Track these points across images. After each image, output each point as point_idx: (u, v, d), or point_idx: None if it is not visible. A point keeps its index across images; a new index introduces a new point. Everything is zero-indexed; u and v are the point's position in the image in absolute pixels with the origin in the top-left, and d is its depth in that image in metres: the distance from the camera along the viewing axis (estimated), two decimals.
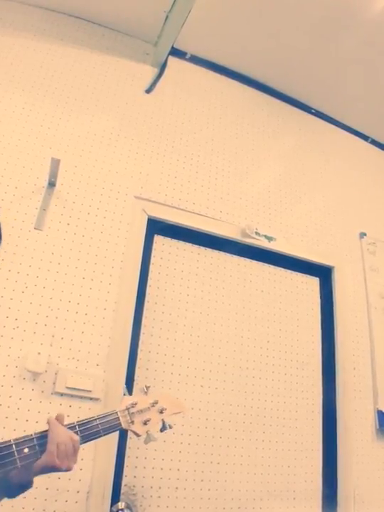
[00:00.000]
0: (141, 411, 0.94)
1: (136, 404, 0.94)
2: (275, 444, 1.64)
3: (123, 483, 1.38)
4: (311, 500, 1.64)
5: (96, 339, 1.44)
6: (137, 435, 0.93)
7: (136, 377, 1.50)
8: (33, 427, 1.25)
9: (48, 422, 0.84)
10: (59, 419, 0.86)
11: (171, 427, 0.97)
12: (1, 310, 1.35)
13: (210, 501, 1.47)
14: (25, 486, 0.83)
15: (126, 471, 1.40)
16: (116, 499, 1.35)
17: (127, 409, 0.92)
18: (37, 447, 0.80)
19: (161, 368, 1.55)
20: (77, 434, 0.84)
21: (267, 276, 1.89)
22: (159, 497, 1.41)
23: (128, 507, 1.35)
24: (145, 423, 0.93)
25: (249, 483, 1.55)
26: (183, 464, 1.47)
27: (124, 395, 0.98)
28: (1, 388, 1.27)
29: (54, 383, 1.34)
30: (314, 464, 1.69)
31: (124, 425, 0.91)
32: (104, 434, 0.88)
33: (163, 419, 0.97)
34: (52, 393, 1.33)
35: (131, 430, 0.92)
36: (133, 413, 0.93)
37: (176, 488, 1.44)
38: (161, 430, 0.97)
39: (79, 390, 1.36)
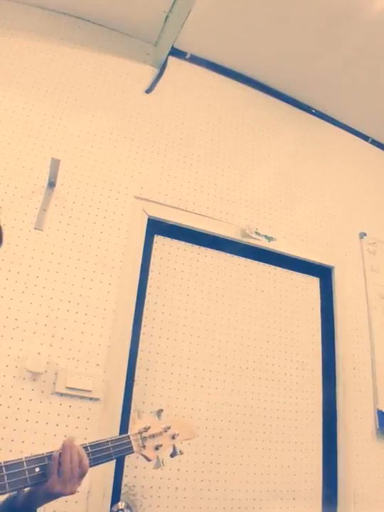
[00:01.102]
0: (153, 436, 0.94)
1: (148, 428, 0.93)
2: (275, 444, 1.64)
3: (123, 483, 1.38)
4: (311, 500, 1.64)
5: (96, 339, 1.44)
6: (148, 460, 0.92)
7: (136, 378, 1.50)
8: (33, 427, 1.27)
9: (63, 445, 0.82)
10: (71, 440, 0.82)
11: (181, 453, 0.97)
12: (1, 310, 1.35)
13: (210, 501, 1.47)
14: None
15: (126, 471, 1.40)
16: (116, 499, 1.35)
17: (140, 433, 0.92)
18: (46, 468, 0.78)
19: (161, 368, 1.55)
20: (89, 456, 0.83)
21: (267, 276, 1.89)
22: (159, 497, 1.41)
23: (128, 507, 1.35)
24: (156, 448, 0.93)
25: (249, 483, 1.55)
26: (183, 464, 1.47)
27: (138, 417, 0.97)
28: (1, 388, 1.27)
29: (54, 383, 1.34)
30: (314, 464, 1.70)
31: (135, 450, 0.90)
32: (115, 457, 0.88)
33: (174, 445, 0.97)
34: (52, 393, 1.33)
35: (143, 455, 0.92)
36: (145, 437, 0.92)
37: (176, 488, 1.44)
38: (172, 456, 0.97)
39: (79, 390, 1.35)
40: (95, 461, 0.84)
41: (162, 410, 0.98)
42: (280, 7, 1.80)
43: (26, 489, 0.81)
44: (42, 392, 1.32)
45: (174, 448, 0.97)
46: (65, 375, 1.35)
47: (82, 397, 1.36)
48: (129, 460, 1.41)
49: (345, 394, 1.79)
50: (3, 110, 1.62)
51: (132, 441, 0.90)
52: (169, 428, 0.96)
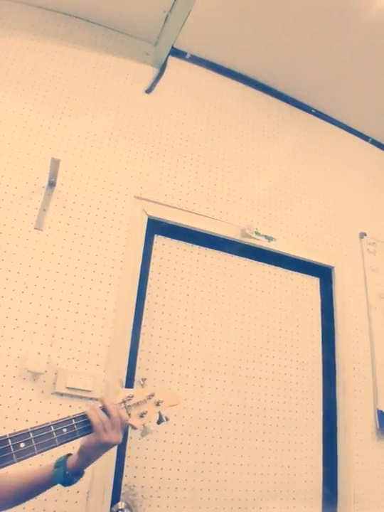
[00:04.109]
0: (137, 404, 0.94)
1: (132, 396, 0.93)
2: (275, 444, 1.64)
3: (123, 483, 1.38)
4: (311, 500, 1.64)
5: (96, 339, 1.44)
6: (134, 428, 0.93)
7: (136, 378, 1.49)
8: None
9: (101, 400, 0.90)
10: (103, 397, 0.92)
11: (167, 420, 0.97)
12: (1, 310, 1.35)
13: (210, 501, 1.47)
14: (78, 474, 0.88)
15: (126, 471, 1.40)
16: (116, 499, 1.35)
17: (123, 402, 0.92)
18: (76, 427, 0.85)
19: (161, 368, 1.55)
20: (74, 427, 0.84)
21: (267, 276, 1.89)
22: (159, 497, 1.41)
23: (128, 507, 1.35)
24: (142, 416, 0.93)
25: (249, 483, 1.55)
26: (183, 464, 1.47)
27: (121, 387, 0.98)
28: (1, 388, 1.27)
29: (54, 383, 1.34)
30: (314, 464, 1.69)
31: None
32: None
33: (160, 412, 0.96)
34: (52, 393, 1.33)
35: (128, 423, 0.92)
36: (129, 406, 0.92)
37: (176, 488, 1.44)
38: (158, 422, 0.97)
39: (79, 390, 1.36)
40: (81, 432, 0.85)
41: (145, 379, 0.99)
42: (280, 7, 1.80)
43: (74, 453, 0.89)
44: (42, 392, 1.32)
45: (160, 415, 0.97)
46: (65, 375, 1.35)
47: (82, 397, 1.36)
48: (129, 460, 1.41)
49: (345, 394, 1.79)
50: (3, 110, 1.62)
51: None
52: (153, 395, 0.97)
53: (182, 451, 1.48)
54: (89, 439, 0.86)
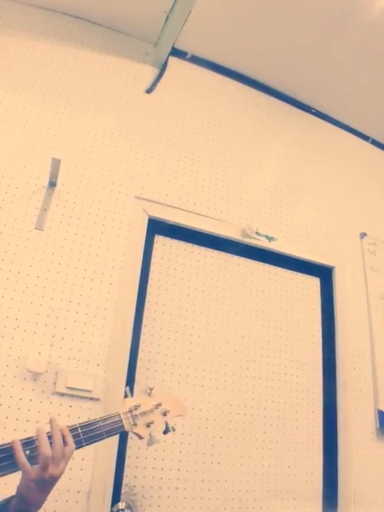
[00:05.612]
0: (144, 413, 0.94)
1: (139, 406, 0.93)
2: (275, 444, 1.64)
3: (123, 483, 1.38)
4: (311, 500, 1.64)
5: (96, 339, 1.44)
6: (140, 438, 0.92)
7: (136, 378, 1.50)
8: (34, 427, 1.25)
9: (51, 424, 0.81)
10: (55, 419, 0.82)
11: (174, 430, 0.97)
12: (1, 310, 1.35)
13: (210, 501, 1.47)
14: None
15: (126, 471, 1.40)
16: (116, 499, 1.35)
17: (130, 411, 0.92)
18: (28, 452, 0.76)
19: (161, 368, 1.55)
20: (80, 436, 0.83)
21: (268, 276, 1.89)
22: (159, 497, 1.41)
23: (128, 507, 1.35)
24: (148, 425, 0.93)
25: (249, 483, 1.55)
26: (183, 463, 1.47)
27: (127, 396, 0.97)
28: (1, 388, 1.27)
29: (54, 383, 1.34)
30: (314, 464, 1.70)
31: (127, 427, 0.90)
32: (107, 437, 0.88)
33: (166, 422, 0.97)
34: (52, 393, 1.33)
35: (134, 432, 0.92)
36: (136, 415, 0.92)
37: (176, 488, 1.44)
38: (165, 432, 0.97)
39: (79, 390, 1.36)
40: (87, 441, 0.84)
41: (153, 388, 0.99)
42: (281, 7, 1.80)
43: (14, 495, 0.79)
44: (42, 392, 1.32)
45: (166, 425, 0.97)
46: (66, 375, 1.35)
47: (82, 397, 1.36)
48: (130, 460, 1.41)
49: (345, 394, 1.79)
50: (3, 110, 1.62)
51: (123, 420, 0.91)
52: (160, 405, 0.97)
53: (182, 451, 1.48)
54: (21, 478, 0.75)
